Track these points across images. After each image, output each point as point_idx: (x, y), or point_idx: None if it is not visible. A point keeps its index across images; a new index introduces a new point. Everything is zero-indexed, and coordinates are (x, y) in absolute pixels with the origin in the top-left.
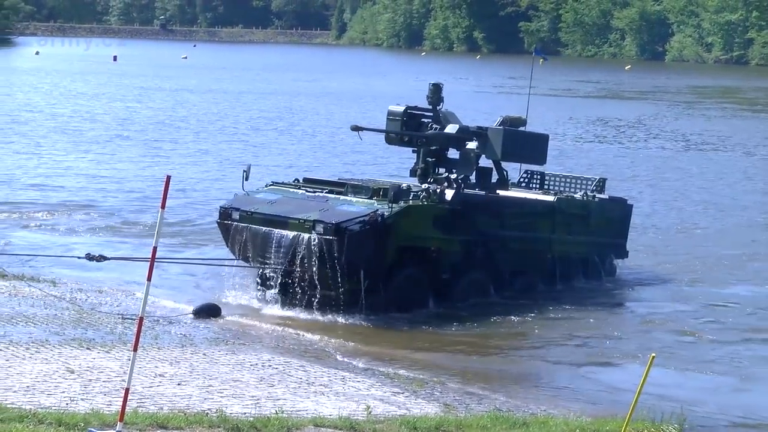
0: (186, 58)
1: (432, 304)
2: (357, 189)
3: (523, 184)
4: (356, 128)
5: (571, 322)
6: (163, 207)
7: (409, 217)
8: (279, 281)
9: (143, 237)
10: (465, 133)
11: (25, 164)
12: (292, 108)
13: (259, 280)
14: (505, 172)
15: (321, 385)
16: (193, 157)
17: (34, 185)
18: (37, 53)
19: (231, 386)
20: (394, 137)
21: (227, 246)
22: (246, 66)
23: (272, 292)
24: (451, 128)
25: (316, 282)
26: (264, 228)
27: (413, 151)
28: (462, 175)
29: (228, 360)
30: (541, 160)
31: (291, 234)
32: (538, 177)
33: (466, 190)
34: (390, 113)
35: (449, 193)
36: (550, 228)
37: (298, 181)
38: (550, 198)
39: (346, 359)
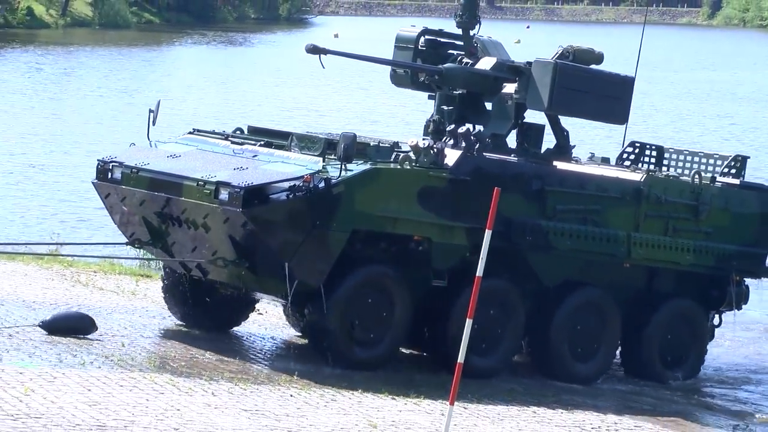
0: (519, 42)
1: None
2: (305, 142)
3: (628, 161)
4: (314, 50)
5: None
6: (489, 227)
7: (374, 186)
8: (188, 290)
9: None
10: (500, 71)
11: None
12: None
13: (164, 293)
14: (565, 133)
15: None
16: None
17: None
18: (336, 36)
19: None
20: (401, 75)
21: (114, 222)
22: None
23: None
24: (485, 63)
25: (229, 284)
26: (154, 193)
27: (429, 97)
28: (490, 132)
29: (564, 420)
30: (619, 116)
31: (186, 203)
32: (654, 151)
33: (489, 155)
34: (398, 39)
35: (452, 155)
36: (630, 222)
37: (241, 131)
38: (635, 176)
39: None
